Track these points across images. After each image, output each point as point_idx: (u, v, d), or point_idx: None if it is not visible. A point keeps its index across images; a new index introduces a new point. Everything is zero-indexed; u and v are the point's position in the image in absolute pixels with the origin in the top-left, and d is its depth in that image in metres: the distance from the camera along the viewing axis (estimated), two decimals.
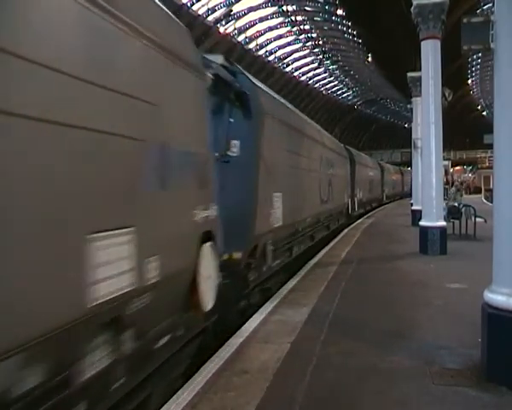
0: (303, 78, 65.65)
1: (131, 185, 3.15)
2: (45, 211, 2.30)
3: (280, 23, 51.41)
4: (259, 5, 46.74)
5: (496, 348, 3.91)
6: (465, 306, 6.11)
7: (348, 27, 51.01)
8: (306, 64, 63.64)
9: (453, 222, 13.87)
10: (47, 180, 2.32)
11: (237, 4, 44.99)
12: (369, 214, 26.21)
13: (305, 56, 61.48)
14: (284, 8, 47.77)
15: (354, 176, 20.99)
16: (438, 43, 11.07)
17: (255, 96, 7.02)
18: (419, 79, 13.02)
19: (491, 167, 36.69)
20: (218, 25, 44.78)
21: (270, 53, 55.60)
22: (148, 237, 3.25)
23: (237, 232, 5.88)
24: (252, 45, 51.79)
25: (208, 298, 4.50)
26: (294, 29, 52.77)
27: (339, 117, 79.42)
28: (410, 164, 31.14)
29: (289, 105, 10.77)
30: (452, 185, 33.35)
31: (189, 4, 39.75)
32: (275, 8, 48.01)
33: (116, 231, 2.89)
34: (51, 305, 2.33)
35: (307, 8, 49.34)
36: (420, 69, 11.64)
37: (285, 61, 59.30)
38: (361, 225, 19.35)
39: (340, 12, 47.55)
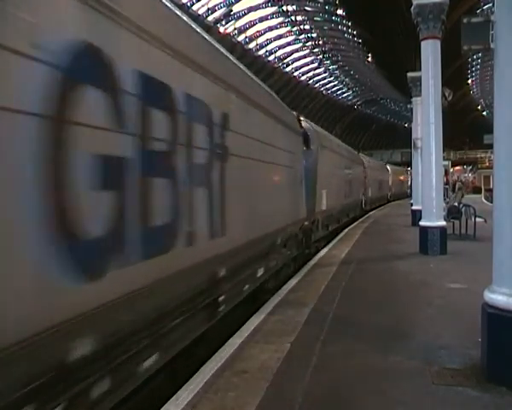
0: (303, 78, 65.64)
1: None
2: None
3: (280, 23, 51.41)
4: (259, 5, 46.76)
5: (496, 348, 3.91)
6: (465, 306, 6.12)
7: (348, 27, 51.04)
8: (306, 64, 63.63)
9: (453, 222, 13.87)
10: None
11: (237, 4, 45.03)
12: (374, 211, 27.62)
13: (305, 56, 61.47)
14: (284, 8, 47.77)
15: (366, 178, 25.82)
16: (438, 43, 11.05)
17: (313, 135, 12.04)
18: (419, 79, 13.01)
19: (491, 167, 36.72)
20: (218, 25, 44.79)
21: (270, 53, 55.60)
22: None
23: (307, 210, 10.52)
24: (252, 45, 51.81)
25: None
26: (294, 29, 52.79)
27: (339, 117, 79.42)
28: (410, 164, 31.23)
29: (327, 133, 16.97)
30: (449, 185, 33.48)
31: (189, 4, 39.78)
32: (275, 8, 48.03)
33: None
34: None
35: (307, 8, 49.33)
36: (420, 69, 11.62)
37: (285, 61, 59.29)
38: (361, 224, 19.37)
39: (340, 12, 47.58)
